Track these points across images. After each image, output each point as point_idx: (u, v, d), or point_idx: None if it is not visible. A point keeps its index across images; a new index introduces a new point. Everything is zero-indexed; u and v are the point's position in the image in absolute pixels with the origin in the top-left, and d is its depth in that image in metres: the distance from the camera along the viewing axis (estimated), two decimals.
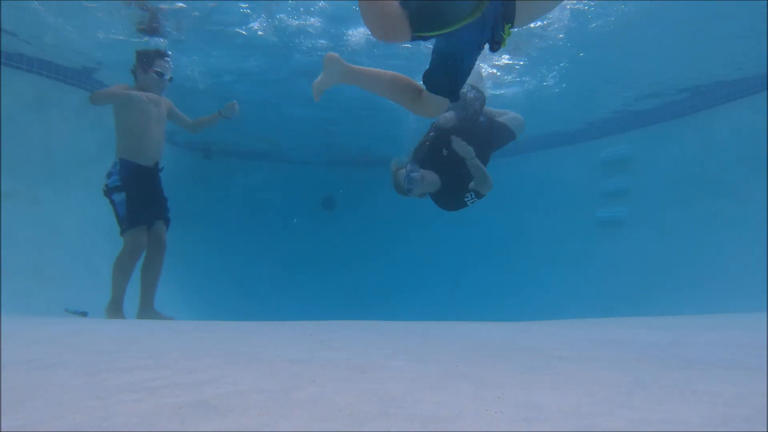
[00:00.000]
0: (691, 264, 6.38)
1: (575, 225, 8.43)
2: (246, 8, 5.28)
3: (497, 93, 7.30)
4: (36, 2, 4.89)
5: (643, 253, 7.21)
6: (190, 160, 9.30)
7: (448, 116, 4.03)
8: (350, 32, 5.80)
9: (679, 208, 6.95)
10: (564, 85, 7.12)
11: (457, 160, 3.97)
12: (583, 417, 0.82)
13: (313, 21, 5.56)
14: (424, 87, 2.50)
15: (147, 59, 4.25)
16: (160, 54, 4.30)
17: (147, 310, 4.23)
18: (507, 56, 6.38)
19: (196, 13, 5.30)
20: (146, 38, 5.53)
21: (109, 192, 4.13)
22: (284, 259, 9.84)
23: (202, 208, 9.28)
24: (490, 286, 8.85)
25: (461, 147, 3.88)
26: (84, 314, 4.24)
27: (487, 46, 2.41)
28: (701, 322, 2.67)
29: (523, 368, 1.27)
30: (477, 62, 4.04)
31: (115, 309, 4.07)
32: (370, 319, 3.13)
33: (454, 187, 4.10)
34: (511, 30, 2.32)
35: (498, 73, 6.83)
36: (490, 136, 4.16)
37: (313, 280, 9.44)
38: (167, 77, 4.31)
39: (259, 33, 5.78)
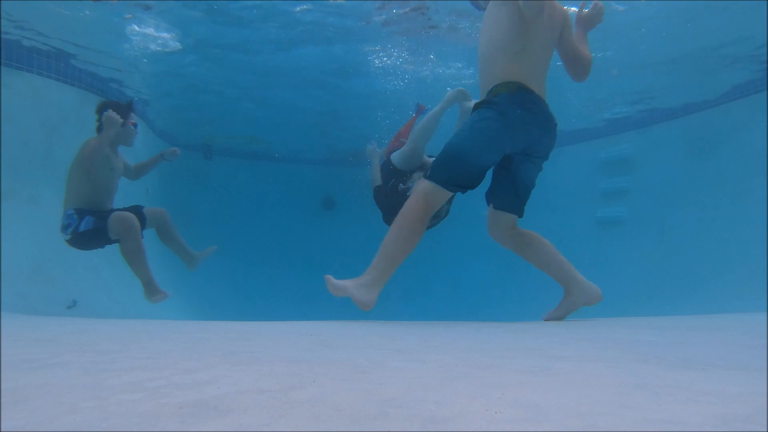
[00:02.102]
0: (691, 264, 6.38)
1: (575, 225, 8.43)
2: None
3: None
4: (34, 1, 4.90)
5: (643, 253, 7.21)
6: (190, 160, 9.32)
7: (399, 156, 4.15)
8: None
9: (679, 208, 6.94)
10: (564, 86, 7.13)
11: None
12: (583, 417, 0.82)
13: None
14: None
15: (124, 111, 4.08)
16: (131, 105, 4.16)
17: (192, 260, 4.32)
18: None
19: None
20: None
21: (76, 235, 3.92)
22: (284, 259, 9.84)
23: (202, 208, 9.28)
24: (490, 286, 8.84)
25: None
26: (74, 303, 4.25)
27: None
28: (701, 322, 2.67)
29: (523, 368, 1.27)
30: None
31: (152, 291, 4.02)
32: (370, 319, 3.13)
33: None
34: None
35: None
36: None
37: (313, 280, 9.43)
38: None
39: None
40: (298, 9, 5.38)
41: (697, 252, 6.42)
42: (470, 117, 2.70)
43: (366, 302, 2.63)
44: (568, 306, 2.90)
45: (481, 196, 3.07)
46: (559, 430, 0.75)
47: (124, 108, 4.10)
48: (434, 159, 2.71)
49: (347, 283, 2.69)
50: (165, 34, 5.87)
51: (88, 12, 5.21)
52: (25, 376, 1.16)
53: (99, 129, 4.07)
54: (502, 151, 2.71)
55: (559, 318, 2.92)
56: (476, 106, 2.73)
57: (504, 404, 0.89)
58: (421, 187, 2.64)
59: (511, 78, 2.66)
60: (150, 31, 5.75)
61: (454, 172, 2.60)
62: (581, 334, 2.07)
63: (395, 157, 4.33)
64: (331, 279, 2.73)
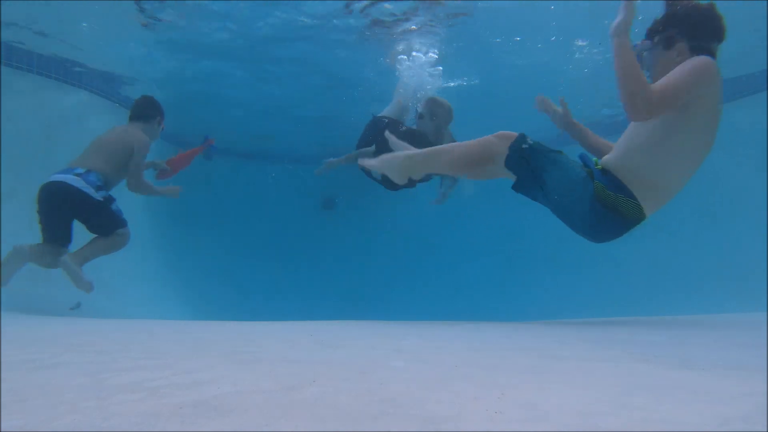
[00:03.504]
0: (691, 264, 6.38)
1: None
2: None
3: None
4: (35, 1, 4.90)
5: (643, 253, 7.21)
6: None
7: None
8: None
9: (679, 208, 6.95)
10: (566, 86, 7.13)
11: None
12: (583, 417, 0.82)
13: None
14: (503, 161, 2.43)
15: (163, 113, 4.53)
16: None
17: (72, 265, 4.02)
18: None
19: None
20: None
21: (108, 201, 4.13)
22: (284, 259, 9.84)
23: (202, 208, 9.28)
24: (490, 287, 8.84)
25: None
26: (78, 305, 4.27)
27: None
28: (701, 322, 2.67)
29: (523, 368, 1.27)
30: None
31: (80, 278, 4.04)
32: (370, 319, 3.13)
33: None
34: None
35: None
36: None
37: (313, 280, 9.43)
38: None
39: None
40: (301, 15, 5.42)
41: (697, 252, 6.43)
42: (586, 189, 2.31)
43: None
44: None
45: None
46: (559, 430, 0.75)
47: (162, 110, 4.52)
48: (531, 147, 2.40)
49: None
50: (168, 33, 5.87)
51: (90, 11, 5.22)
52: (25, 376, 1.16)
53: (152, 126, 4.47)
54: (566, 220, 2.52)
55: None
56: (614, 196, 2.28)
57: (504, 404, 0.89)
58: (493, 142, 2.44)
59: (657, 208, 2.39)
60: (152, 28, 5.75)
61: (526, 175, 2.40)
62: (581, 334, 2.07)
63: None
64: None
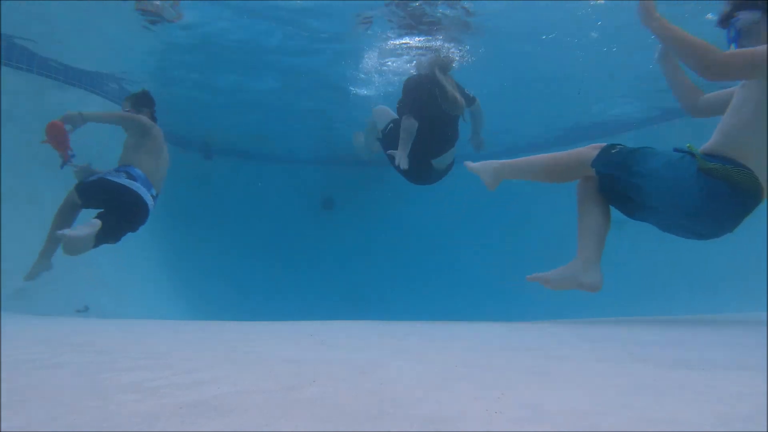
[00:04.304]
0: (692, 264, 6.38)
1: (575, 225, 8.42)
2: None
3: None
4: (36, 1, 4.90)
5: (643, 253, 7.21)
6: (190, 160, 9.32)
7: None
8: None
9: None
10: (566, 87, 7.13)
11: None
12: (584, 417, 0.82)
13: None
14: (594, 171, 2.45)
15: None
16: None
17: (43, 263, 4.19)
18: None
19: None
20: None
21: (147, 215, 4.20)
22: (284, 259, 9.84)
23: (202, 208, 9.28)
24: (491, 286, 8.84)
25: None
26: (86, 308, 4.27)
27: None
28: (701, 322, 2.67)
29: (524, 368, 1.27)
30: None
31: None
32: (370, 319, 3.13)
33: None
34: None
35: None
36: None
37: (312, 280, 9.43)
38: None
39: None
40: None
41: (698, 252, 6.42)
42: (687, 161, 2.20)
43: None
44: (564, 273, 2.61)
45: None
46: (559, 430, 0.75)
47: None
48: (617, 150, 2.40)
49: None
50: (168, 32, 5.87)
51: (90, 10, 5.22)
52: (25, 376, 1.16)
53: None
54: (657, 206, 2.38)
55: (546, 280, 2.64)
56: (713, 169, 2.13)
57: (504, 404, 0.89)
58: (582, 153, 2.48)
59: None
60: (153, 29, 5.75)
61: (617, 171, 2.34)
62: (581, 334, 2.07)
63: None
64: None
